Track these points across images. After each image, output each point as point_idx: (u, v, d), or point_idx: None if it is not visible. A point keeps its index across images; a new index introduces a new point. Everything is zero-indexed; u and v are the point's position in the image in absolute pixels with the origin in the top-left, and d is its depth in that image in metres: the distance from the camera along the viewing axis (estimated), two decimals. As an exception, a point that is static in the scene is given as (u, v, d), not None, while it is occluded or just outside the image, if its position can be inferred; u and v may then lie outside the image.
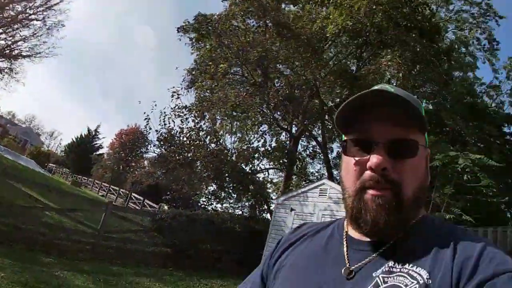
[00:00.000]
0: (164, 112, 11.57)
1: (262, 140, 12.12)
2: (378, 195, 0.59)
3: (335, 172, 16.44)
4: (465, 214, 8.71)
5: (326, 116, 12.13)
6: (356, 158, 0.63)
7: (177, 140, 11.60)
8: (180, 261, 8.43)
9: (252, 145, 11.92)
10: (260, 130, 13.32)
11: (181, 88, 14.23)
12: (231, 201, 12.34)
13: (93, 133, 37.93)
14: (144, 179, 20.17)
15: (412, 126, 0.63)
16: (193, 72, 15.03)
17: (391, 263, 0.58)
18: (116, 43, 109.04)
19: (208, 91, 13.23)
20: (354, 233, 0.66)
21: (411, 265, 0.57)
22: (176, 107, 11.77)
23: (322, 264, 0.65)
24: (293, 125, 13.19)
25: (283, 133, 14.23)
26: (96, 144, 37.85)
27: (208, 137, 12.19)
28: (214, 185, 11.99)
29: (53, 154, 43.01)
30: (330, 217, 7.52)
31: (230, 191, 11.69)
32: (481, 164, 9.47)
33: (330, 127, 12.88)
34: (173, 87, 12.05)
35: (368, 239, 0.63)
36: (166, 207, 14.85)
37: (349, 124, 0.65)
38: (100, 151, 37.00)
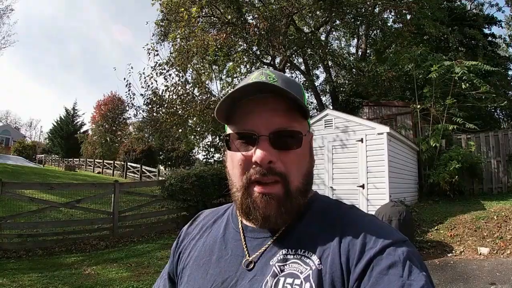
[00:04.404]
0: (143, 73, 11.17)
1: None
2: (266, 193, 0.58)
3: (323, 99, 16.52)
4: (467, 122, 8.62)
5: (306, 43, 11.69)
6: (242, 153, 0.60)
7: (166, 99, 11.11)
8: (199, 220, 8.50)
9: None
10: (246, 70, 12.81)
11: (153, 43, 13.54)
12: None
13: (72, 111, 36.55)
14: (135, 145, 19.73)
15: (294, 114, 0.61)
16: (162, 23, 13.90)
17: (284, 251, 0.59)
18: (65, 10, 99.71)
19: (183, 40, 12.46)
20: (248, 222, 0.66)
21: (303, 250, 0.58)
22: (157, 64, 11.21)
23: (223, 256, 0.65)
24: (275, 58, 12.74)
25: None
26: (78, 122, 36.72)
27: (196, 89, 11.83)
28: (210, 137, 11.84)
29: (39, 144, 41.93)
30: (341, 147, 7.29)
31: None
32: (475, 71, 9.11)
33: (311, 53, 12.56)
34: (147, 44, 11.35)
35: None
36: (162, 168, 14.75)
37: (231, 116, 0.62)
38: (84, 128, 35.99)
